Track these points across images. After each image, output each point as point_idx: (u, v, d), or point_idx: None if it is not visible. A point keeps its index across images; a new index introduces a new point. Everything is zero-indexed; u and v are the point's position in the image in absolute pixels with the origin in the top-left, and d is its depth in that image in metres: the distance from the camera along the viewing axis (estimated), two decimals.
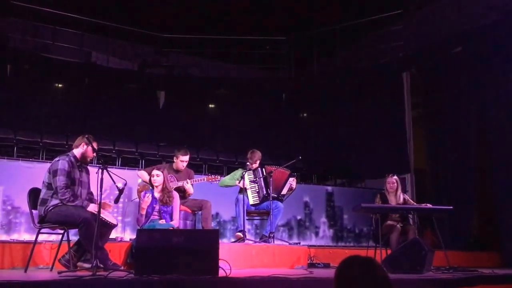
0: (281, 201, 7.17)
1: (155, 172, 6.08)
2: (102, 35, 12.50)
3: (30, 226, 5.92)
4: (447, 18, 10.61)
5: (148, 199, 5.90)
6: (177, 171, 6.83)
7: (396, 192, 7.08)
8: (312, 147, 12.37)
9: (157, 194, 6.00)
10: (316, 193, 10.09)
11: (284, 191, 7.18)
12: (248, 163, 7.15)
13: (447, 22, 10.57)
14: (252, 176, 7.09)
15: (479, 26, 9.86)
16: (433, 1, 11.13)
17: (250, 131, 12.32)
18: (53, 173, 5.16)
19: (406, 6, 11.49)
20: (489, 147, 9.66)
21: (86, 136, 5.33)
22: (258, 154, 7.19)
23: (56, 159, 5.29)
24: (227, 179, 7.24)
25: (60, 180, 5.10)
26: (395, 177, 7.15)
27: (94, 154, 5.44)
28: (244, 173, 7.01)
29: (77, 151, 5.35)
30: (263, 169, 7.12)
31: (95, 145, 5.31)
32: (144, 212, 5.87)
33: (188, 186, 6.65)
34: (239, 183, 7.03)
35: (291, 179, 7.21)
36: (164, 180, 6.04)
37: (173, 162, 6.96)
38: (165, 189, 6.02)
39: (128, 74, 12.58)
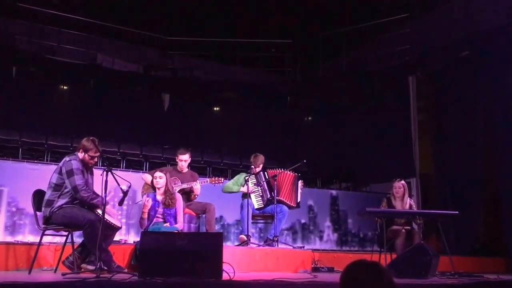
0: (299, 207, 7.17)
1: (157, 174, 6.04)
2: (107, 37, 12.55)
3: (35, 228, 5.91)
4: (454, 22, 10.58)
5: (148, 203, 5.87)
6: (181, 172, 6.82)
7: (403, 197, 7.02)
8: (317, 151, 12.34)
9: (159, 197, 5.96)
10: (320, 197, 10.06)
11: (299, 198, 7.15)
12: (252, 167, 7.11)
13: (454, 25, 10.54)
14: (255, 180, 7.05)
15: (486, 29, 9.84)
16: (440, 5, 11.11)
17: (255, 134, 12.31)
18: (67, 173, 5.11)
19: (412, 10, 11.47)
20: (496, 151, 9.61)
21: (86, 139, 5.30)
22: (261, 158, 7.16)
23: (67, 159, 5.24)
24: (230, 184, 7.18)
25: (78, 179, 5.08)
26: (403, 182, 7.08)
27: (94, 161, 5.39)
28: (246, 177, 6.98)
29: (79, 154, 5.33)
30: (266, 173, 7.08)
31: (91, 153, 5.26)
32: (145, 216, 5.84)
33: (197, 186, 6.62)
34: (243, 187, 7.00)
35: (300, 182, 7.17)
36: (166, 183, 6.01)
37: (177, 164, 6.96)
38: (167, 192, 5.97)
39: (133, 76, 12.62)
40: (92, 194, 5.13)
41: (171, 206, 5.92)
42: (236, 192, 7.11)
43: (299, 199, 7.15)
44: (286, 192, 7.06)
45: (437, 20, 11.14)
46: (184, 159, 6.84)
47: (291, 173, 7.13)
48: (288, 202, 7.05)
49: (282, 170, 7.12)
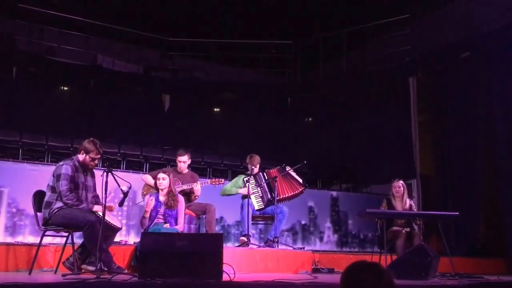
0: (306, 186, 7.17)
1: (161, 175, 6.02)
2: (107, 38, 12.54)
3: (35, 229, 5.92)
4: (454, 23, 10.58)
5: (151, 201, 5.88)
6: (181, 173, 6.81)
7: (403, 197, 7.03)
8: (317, 152, 12.34)
9: (162, 198, 5.95)
10: (321, 198, 10.05)
11: (299, 179, 7.11)
12: (252, 168, 7.07)
13: (455, 26, 10.55)
14: (254, 181, 7.03)
15: (487, 30, 9.84)
16: (441, 6, 11.11)
17: (255, 135, 12.31)
18: (57, 177, 5.15)
19: (413, 10, 11.46)
20: (496, 152, 9.61)
21: (88, 140, 5.30)
22: (257, 158, 7.13)
23: (60, 163, 5.27)
24: (228, 187, 7.13)
25: (63, 185, 5.09)
26: (401, 181, 7.10)
27: (94, 163, 5.40)
28: (245, 179, 6.97)
29: (80, 156, 5.34)
30: (265, 173, 7.06)
31: (92, 154, 5.28)
32: (147, 215, 5.83)
33: (198, 188, 6.62)
34: (243, 187, 6.97)
35: (287, 168, 7.13)
36: (170, 184, 6.00)
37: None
38: (170, 193, 5.96)
39: (134, 77, 12.62)
40: (76, 201, 5.11)
41: (173, 208, 5.90)
42: (234, 194, 7.09)
43: (300, 180, 7.13)
44: (284, 187, 7.04)
45: (437, 21, 11.14)
46: (183, 160, 6.83)
47: (272, 170, 7.10)
48: (294, 192, 7.03)
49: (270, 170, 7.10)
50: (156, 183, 6.05)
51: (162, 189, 5.97)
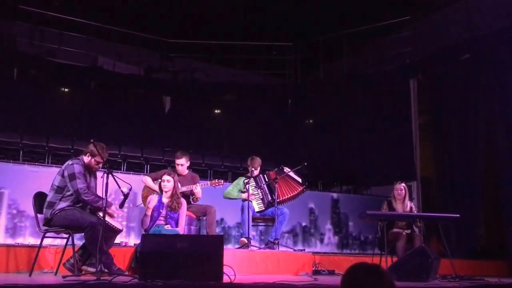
0: (306, 184, 7.16)
1: (166, 177, 5.99)
2: (108, 39, 12.55)
3: (35, 230, 5.92)
4: (455, 25, 10.58)
5: (155, 197, 5.88)
6: (180, 175, 6.79)
7: (404, 200, 7.03)
8: (318, 153, 12.33)
9: (165, 200, 5.93)
10: (321, 200, 10.06)
11: (298, 178, 7.10)
12: (252, 170, 7.06)
13: (455, 28, 10.55)
14: (254, 183, 7.02)
15: (487, 32, 9.84)
16: (441, 8, 11.11)
17: (255, 136, 12.31)
18: (70, 177, 5.14)
19: (414, 12, 11.47)
20: (497, 154, 9.61)
21: (94, 144, 5.29)
22: (258, 160, 7.12)
23: (70, 162, 5.26)
24: (229, 189, 7.13)
25: (80, 183, 5.10)
26: (403, 184, 7.11)
27: (99, 167, 5.41)
28: (245, 181, 6.96)
29: (86, 158, 5.34)
30: (265, 175, 7.06)
31: (98, 158, 5.29)
32: (149, 213, 5.81)
33: (198, 190, 6.61)
34: (243, 194, 6.95)
35: (285, 169, 7.12)
36: (174, 186, 5.98)
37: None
38: (174, 195, 5.95)
39: (134, 78, 12.63)
40: (95, 197, 5.15)
41: (177, 210, 5.88)
42: (236, 198, 7.07)
43: (299, 180, 7.11)
44: (284, 188, 7.02)
45: (438, 23, 11.14)
46: (180, 163, 6.81)
47: (271, 172, 7.09)
48: (294, 193, 7.01)
49: (280, 172, 7.07)
50: (160, 185, 6.03)
51: (166, 191, 5.95)
